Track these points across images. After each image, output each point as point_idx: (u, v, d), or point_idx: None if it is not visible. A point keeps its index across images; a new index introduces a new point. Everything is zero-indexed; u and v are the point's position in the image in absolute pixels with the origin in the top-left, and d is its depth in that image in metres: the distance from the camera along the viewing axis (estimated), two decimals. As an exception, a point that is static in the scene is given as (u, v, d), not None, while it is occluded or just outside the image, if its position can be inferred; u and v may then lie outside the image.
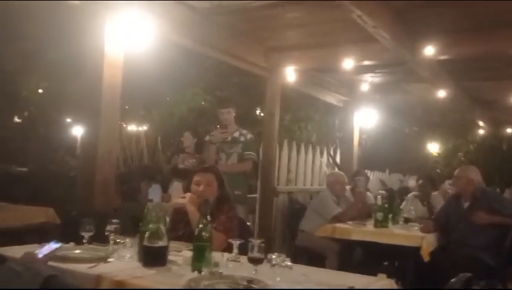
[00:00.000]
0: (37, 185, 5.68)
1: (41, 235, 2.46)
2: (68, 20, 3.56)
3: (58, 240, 2.02)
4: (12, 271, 1.17)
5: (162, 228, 1.84)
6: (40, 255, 1.65)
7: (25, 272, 1.17)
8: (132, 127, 8.51)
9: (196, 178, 2.52)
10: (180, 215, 2.41)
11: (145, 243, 1.82)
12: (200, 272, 1.71)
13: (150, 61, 4.17)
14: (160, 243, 1.82)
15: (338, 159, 6.27)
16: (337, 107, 6.35)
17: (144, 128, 8.53)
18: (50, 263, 1.64)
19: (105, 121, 2.92)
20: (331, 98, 6.03)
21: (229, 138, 4.05)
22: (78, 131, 8.28)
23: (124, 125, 7.96)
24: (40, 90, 6.91)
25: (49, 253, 1.69)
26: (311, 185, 5.53)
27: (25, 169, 6.55)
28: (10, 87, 6.38)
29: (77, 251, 1.97)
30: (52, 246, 1.75)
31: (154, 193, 5.09)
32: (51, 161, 7.09)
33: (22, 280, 1.19)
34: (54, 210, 3.33)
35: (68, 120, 8.46)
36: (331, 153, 6.25)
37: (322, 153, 5.87)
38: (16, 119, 7.80)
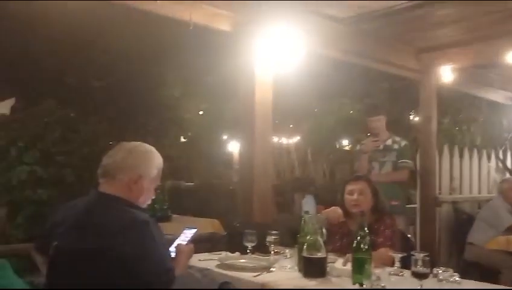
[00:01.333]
0: (202, 198, 6.23)
1: (210, 244, 2.67)
2: (221, 46, 3.87)
3: (226, 249, 2.18)
4: (193, 277, 1.31)
5: (320, 239, 1.86)
6: (185, 243, 1.79)
7: (203, 278, 1.31)
8: (283, 140, 8.81)
9: (349, 187, 2.49)
10: (335, 228, 2.42)
11: (305, 254, 1.85)
12: (361, 285, 1.67)
13: (297, 75, 4.31)
14: (319, 255, 1.84)
15: (509, 163, 5.60)
16: (504, 105, 5.70)
17: (293, 140, 8.76)
18: (220, 270, 1.78)
19: (259, 136, 3.08)
20: (496, 96, 5.45)
21: (381, 146, 3.92)
22: (233, 146, 8.91)
23: (276, 139, 8.28)
24: (201, 112, 7.63)
25: (190, 238, 1.83)
26: (479, 193, 5.03)
27: (191, 184, 7.26)
28: (175, 111, 7.19)
29: (242, 260, 2.10)
30: (189, 232, 1.88)
31: (308, 204, 5.18)
32: (213, 176, 7.72)
33: (201, 285, 1.33)
34: (219, 221, 3.61)
35: (224, 137, 9.15)
36: (500, 156, 5.61)
37: (489, 157, 5.31)
38: (182, 139, 8.71)
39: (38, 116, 4.57)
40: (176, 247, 1.72)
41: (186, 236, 1.85)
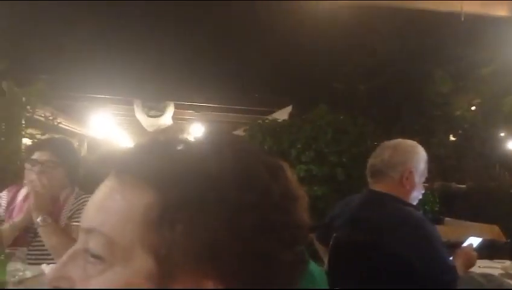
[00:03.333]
0: (476, 202, 5.72)
1: (490, 251, 2.46)
2: (497, 34, 3.49)
3: (509, 258, 1.97)
4: (475, 281, 1.25)
5: None
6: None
7: (489, 284, 1.23)
8: None
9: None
10: None
11: None
12: None
13: None
14: None
15: None
16: None
17: None
18: (506, 279, 1.63)
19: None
20: None
21: None
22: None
23: None
24: (473, 108, 7.00)
25: (475, 247, 1.72)
26: None
27: (463, 186, 6.74)
28: (444, 108, 6.80)
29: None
30: (474, 240, 1.75)
31: None
32: (489, 177, 6.99)
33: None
34: (498, 228, 3.27)
35: (501, 134, 8.15)
36: None
37: None
38: (451, 138, 8.17)
39: (312, 120, 5.06)
40: (457, 250, 1.67)
41: (470, 244, 1.78)
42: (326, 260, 2.13)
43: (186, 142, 0.61)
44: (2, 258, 1.56)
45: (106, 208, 0.58)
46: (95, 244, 0.56)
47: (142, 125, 7.76)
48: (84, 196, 2.40)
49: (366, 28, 5.14)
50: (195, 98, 7.41)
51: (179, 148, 0.60)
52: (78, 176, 2.48)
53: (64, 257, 0.59)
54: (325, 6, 4.09)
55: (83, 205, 2.36)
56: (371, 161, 2.02)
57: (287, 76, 6.34)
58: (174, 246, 0.54)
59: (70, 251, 0.59)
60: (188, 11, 5.13)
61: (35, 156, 2.27)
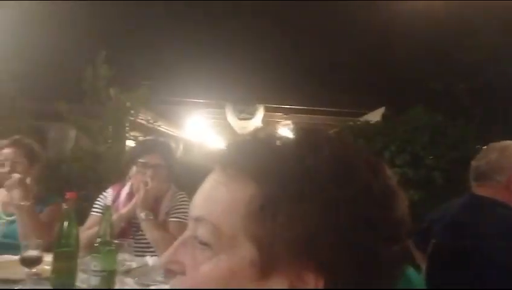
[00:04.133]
0: None
1: None
2: None
3: None
4: None
5: None
6: None
7: None
8: None
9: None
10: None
11: None
12: None
13: None
14: None
15: None
16: None
17: None
18: None
19: None
20: None
21: None
22: None
23: None
24: None
25: None
26: None
27: None
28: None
29: None
30: None
31: None
32: None
33: None
34: None
35: None
36: None
37: None
38: None
39: (407, 122, 4.85)
40: None
41: None
42: (424, 267, 2.03)
43: (285, 139, 0.64)
44: (113, 248, 1.70)
45: (213, 198, 0.62)
46: (202, 231, 0.60)
47: (233, 128, 7.99)
48: (179, 194, 2.54)
49: (465, 23, 4.83)
50: (284, 100, 7.47)
51: (279, 144, 0.63)
52: (175, 175, 2.64)
53: (176, 243, 0.64)
54: (420, 2, 3.92)
55: (179, 202, 2.50)
56: (475, 163, 1.90)
57: (379, 76, 6.16)
58: (275, 237, 0.56)
59: (181, 238, 0.64)
60: (278, 14, 5.18)
61: (145, 159, 2.44)
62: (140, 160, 2.44)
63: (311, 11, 5.09)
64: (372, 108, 7.13)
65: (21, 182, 2.31)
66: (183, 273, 0.61)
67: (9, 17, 4.25)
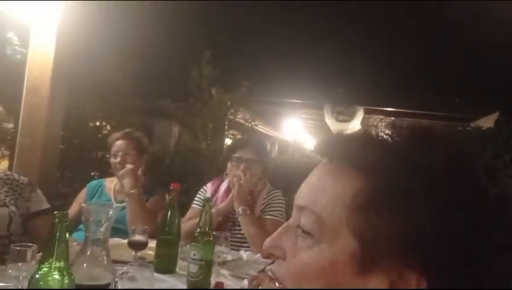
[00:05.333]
0: None
1: None
2: None
3: None
4: None
5: None
6: None
7: None
8: None
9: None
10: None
11: None
12: None
13: None
14: None
15: None
16: None
17: None
18: None
19: None
20: None
21: None
22: None
23: None
24: None
25: None
26: None
27: None
28: None
29: None
30: None
31: None
32: None
33: None
34: None
35: None
36: None
37: None
38: None
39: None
40: None
41: None
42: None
43: (396, 136, 0.61)
44: (211, 239, 1.75)
45: (318, 189, 0.62)
46: (306, 220, 0.61)
47: (329, 130, 7.90)
48: (274, 191, 2.56)
49: None
50: (385, 103, 7.22)
51: (390, 140, 0.61)
52: (269, 173, 2.67)
53: (279, 230, 0.65)
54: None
55: (275, 200, 2.52)
56: None
57: (493, 80, 5.69)
58: (379, 232, 0.55)
59: (283, 225, 0.66)
60: (384, 15, 5.02)
61: (239, 154, 2.52)
62: (234, 155, 2.51)
63: (418, 13, 4.86)
64: (483, 113, 6.62)
65: (132, 172, 2.48)
66: (283, 258, 0.63)
67: (123, 19, 4.60)
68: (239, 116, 6.01)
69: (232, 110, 5.67)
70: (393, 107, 7.34)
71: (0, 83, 3.57)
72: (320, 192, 0.61)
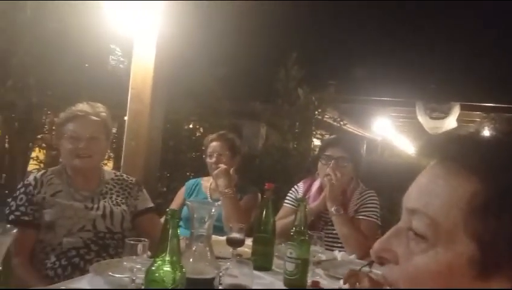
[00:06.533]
0: None
1: None
2: None
3: None
4: None
5: None
6: None
7: None
8: None
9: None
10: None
11: None
12: None
13: None
14: None
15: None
16: None
17: None
18: None
19: None
20: None
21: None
22: None
23: None
24: None
25: None
26: None
27: None
28: None
29: None
30: None
31: None
32: None
33: None
34: None
35: None
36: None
37: None
38: None
39: None
40: None
41: None
42: None
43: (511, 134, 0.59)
44: (307, 238, 1.78)
45: (430, 191, 0.61)
46: (418, 224, 0.60)
47: (422, 128, 7.54)
48: (368, 192, 2.51)
49: None
50: (484, 98, 6.73)
51: (505, 140, 0.59)
52: (361, 172, 2.62)
53: (389, 233, 0.65)
54: None
55: (368, 200, 2.47)
56: None
57: None
58: (500, 235, 0.53)
59: (393, 228, 0.65)
60: (481, 10, 4.71)
61: (329, 152, 2.51)
62: (325, 153, 2.51)
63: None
64: None
65: (226, 172, 2.59)
66: (395, 262, 0.62)
67: (213, 27, 4.79)
68: (326, 116, 5.97)
69: (319, 110, 5.65)
70: (494, 103, 6.82)
71: (105, 90, 3.89)
72: (433, 195, 0.60)
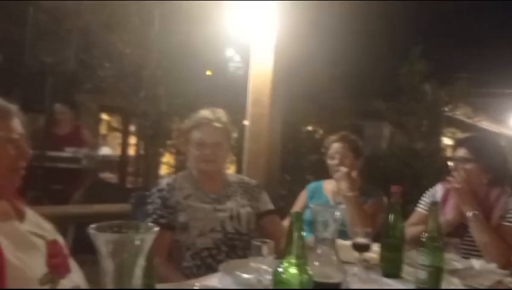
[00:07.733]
0: None
1: None
2: None
3: None
4: None
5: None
6: None
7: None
8: None
9: None
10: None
11: None
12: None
13: None
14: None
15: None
16: None
17: None
18: None
19: None
20: None
21: None
22: None
23: None
24: None
25: None
26: None
27: None
28: None
29: None
30: None
31: None
32: None
33: None
34: None
35: None
36: None
37: None
38: None
39: None
40: None
41: None
42: None
43: None
44: (440, 245, 1.62)
45: None
46: None
47: None
48: None
49: None
50: None
51: None
52: (506, 175, 2.33)
53: None
54: None
55: (515, 206, 2.18)
56: None
57: None
58: None
59: None
60: None
61: (456, 153, 2.32)
62: (453, 154, 2.34)
63: None
64: None
65: (348, 175, 2.50)
66: None
67: (329, 25, 4.70)
68: (458, 113, 5.50)
69: (449, 106, 5.23)
70: None
71: (225, 96, 4.05)
72: None
